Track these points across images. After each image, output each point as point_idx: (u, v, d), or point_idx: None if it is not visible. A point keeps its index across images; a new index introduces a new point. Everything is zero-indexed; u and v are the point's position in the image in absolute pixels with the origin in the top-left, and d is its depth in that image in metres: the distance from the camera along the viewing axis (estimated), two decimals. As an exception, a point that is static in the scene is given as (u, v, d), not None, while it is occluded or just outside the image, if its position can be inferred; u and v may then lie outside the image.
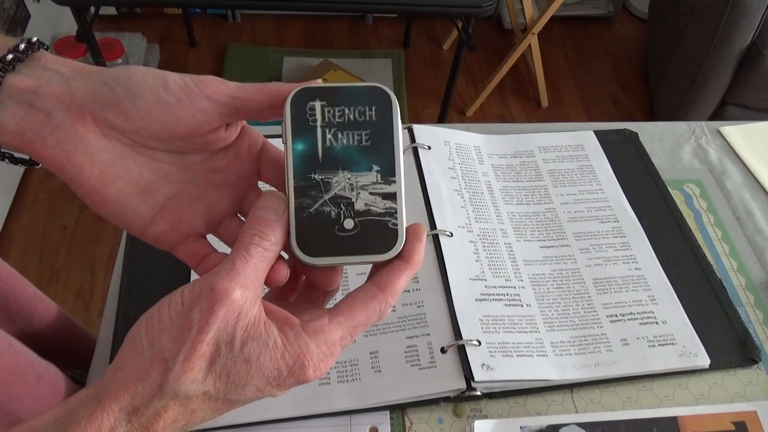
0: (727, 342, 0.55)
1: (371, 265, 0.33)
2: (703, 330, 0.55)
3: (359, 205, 0.30)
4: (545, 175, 0.67)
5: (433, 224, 0.58)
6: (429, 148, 0.64)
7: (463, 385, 0.49)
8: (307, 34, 2.23)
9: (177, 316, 0.28)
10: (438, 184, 0.62)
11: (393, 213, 0.31)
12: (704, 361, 0.53)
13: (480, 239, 0.59)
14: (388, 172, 0.31)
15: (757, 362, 0.54)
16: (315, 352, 0.29)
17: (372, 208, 0.31)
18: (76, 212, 1.64)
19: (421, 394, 0.49)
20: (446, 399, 0.50)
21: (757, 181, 0.69)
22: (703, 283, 0.59)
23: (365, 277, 0.32)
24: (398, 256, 0.31)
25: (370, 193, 0.31)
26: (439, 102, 1.79)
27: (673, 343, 0.54)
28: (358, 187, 0.31)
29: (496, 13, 2.30)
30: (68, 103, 0.30)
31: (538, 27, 1.82)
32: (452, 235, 0.58)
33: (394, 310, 0.54)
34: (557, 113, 2.07)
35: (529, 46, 1.88)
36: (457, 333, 0.51)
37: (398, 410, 0.50)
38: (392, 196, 0.31)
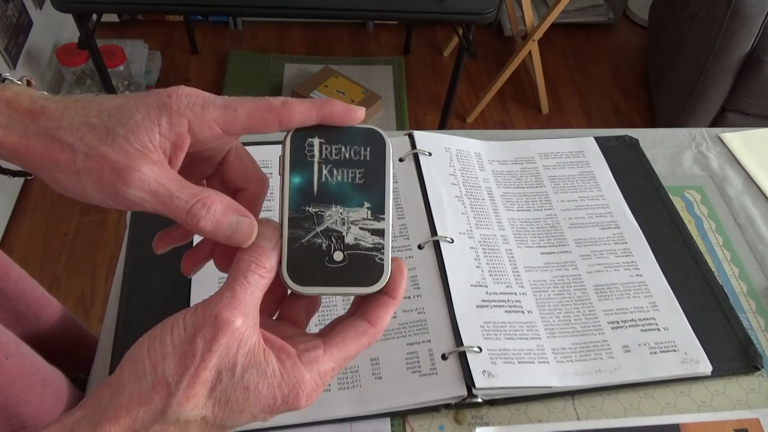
0: (729, 349, 0.55)
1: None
2: (704, 337, 0.55)
3: (349, 239, 0.32)
4: (546, 182, 0.67)
5: (434, 230, 0.58)
6: (430, 154, 0.65)
7: (464, 392, 0.49)
8: (308, 40, 2.24)
9: (180, 342, 0.28)
10: (439, 190, 0.62)
11: (380, 248, 0.32)
12: (706, 368, 0.53)
13: (481, 245, 0.59)
14: (378, 210, 0.32)
15: (759, 369, 0.54)
16: (309, 382, 0.30)
17: (361, 242, 0.32)
18: (77, 218, 1.64)
19: (422, 400, 0.49)
20: (447, 406, 0.50)
21: (758, 187, 0.69)
22: (704, 290, 0.59)
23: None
24: (383, 291, 0.32)
25: (360, 228, 0.32)
26: (439, 108, 1.80)
27: (674, 350, 0.54)
28: (349, 222, 0.32)
29: (497, 20, 2.31)
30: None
31: (539, 34, 1.82)
32: (453, 241, 0.58)
33: (395, 317, 0.53)
34: (558, 120, 2.07)
35: (530, 52, 1.89)
36: (458, 339, 0.51)
37: (399, 417, 0.50)
38: (380, 233, 0.32)
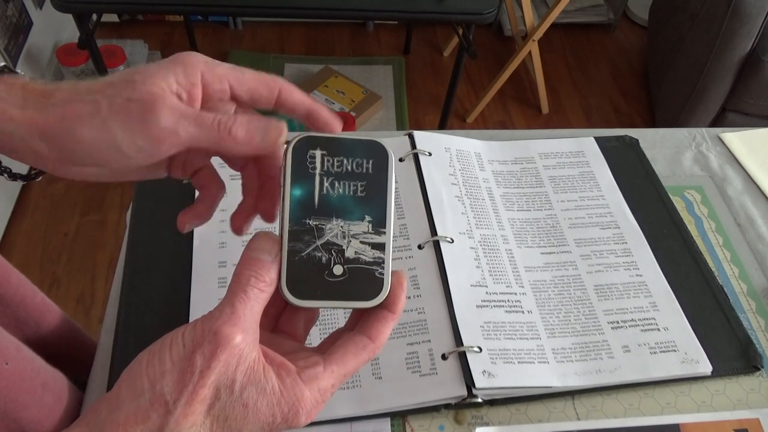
0: (729, 349, 0.55)
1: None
2: (704, 337, 0.55)
3: (349, 253, 0.32)
4: (546, 182, 0.67)
5: (434, 230, 0.58)
6: (430, 154, 0.65)
7: (464, 392, 0.49)
8: (308, 41, 2.24)
9: (179, 359, 0.28)
10: (439, 190, 0.62)
11: (381, 263, 0.32)
12: (706, 368, 0.53)
13: (481, 245, 0.59)
14: (379, 224, 0.32)
15: (759, 369, 0.54)
16: (309, 400, 0.30)
17: (361, 256, 0.32)
18: (77, 218, 1.64)
19: (422, 400, 0.49)
20: (447, 406, 0.50)
21: (758, 187, 0.69)
22: (704, 290, 0.59)
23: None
24: (383, 305, 0.32)
25: (361, 242, 0.32)
26: (439, 108, 1.80)
27: (674, 350, 0.54)
28: (349, 236, 0.32)
29: (497, 20, 2.31)
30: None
31: (539, 34, 1.82)
32: (453, 241, 0.58)
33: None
34: (558, 120, 2.07)
35: (530, 52, 1.89)
36: (458, 339, 0.51)
37: (399, 417, 0.50)
38: (381, 247, 0.32)
